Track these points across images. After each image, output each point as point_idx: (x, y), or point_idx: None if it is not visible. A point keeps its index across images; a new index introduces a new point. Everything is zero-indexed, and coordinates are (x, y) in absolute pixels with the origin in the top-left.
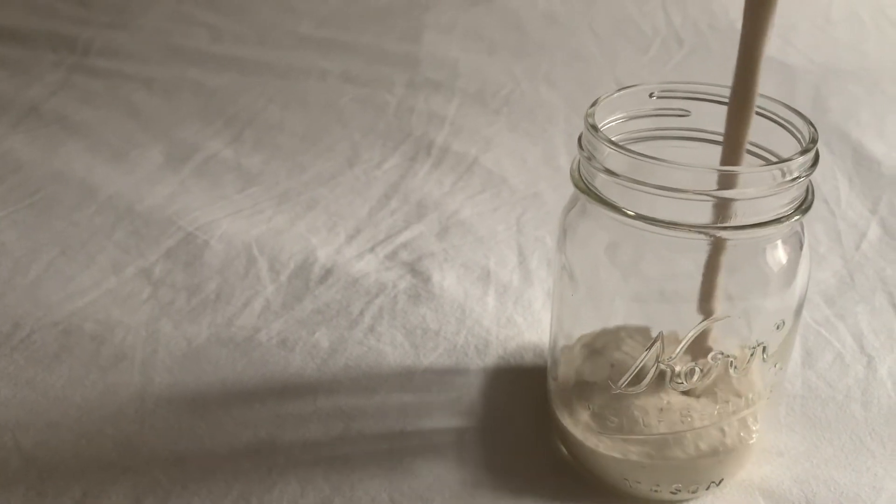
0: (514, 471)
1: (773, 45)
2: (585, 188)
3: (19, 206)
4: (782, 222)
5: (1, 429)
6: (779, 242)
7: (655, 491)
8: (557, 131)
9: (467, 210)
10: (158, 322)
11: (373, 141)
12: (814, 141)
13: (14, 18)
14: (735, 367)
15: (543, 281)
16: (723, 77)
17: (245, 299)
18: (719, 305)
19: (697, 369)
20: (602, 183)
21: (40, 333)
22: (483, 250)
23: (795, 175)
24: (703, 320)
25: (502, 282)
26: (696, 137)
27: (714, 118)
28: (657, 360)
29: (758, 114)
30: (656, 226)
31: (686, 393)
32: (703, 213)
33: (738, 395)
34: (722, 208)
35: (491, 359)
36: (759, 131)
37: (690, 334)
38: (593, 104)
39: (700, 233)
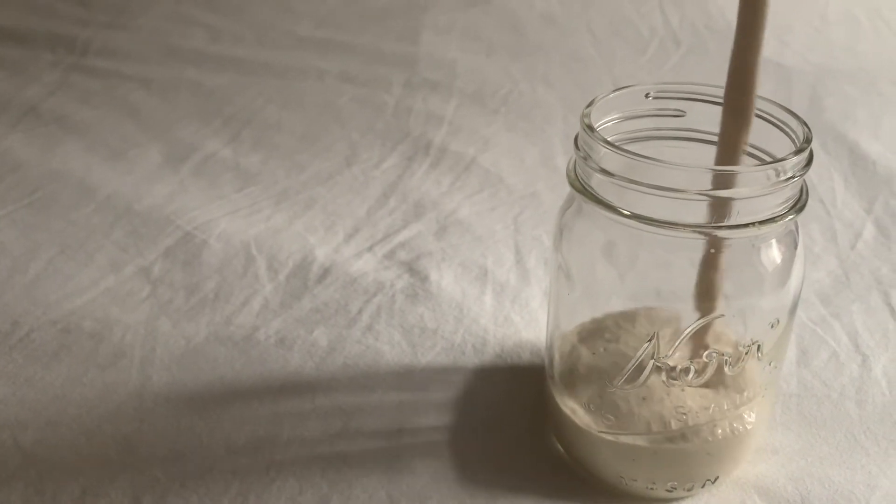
0: (511, 469)
1: (770, 46)
2: (581, 188)
3: (18, 205)
4: (777, 221)
5: (0, 427)
6: (773, 241)
7: (651, 489)
8: (555, 131)
9: (465, 209)
10: (157, 321)
11: (371, 141)
12: (808, 141)
13: (13, 18)
14: (730, 366)
15: (540, 280)
16: (720, 78)
17: (243, 298)
18: (716, 304)
19: (692, 367)
20: (598, 183)
21: (39, 332)
22: (481, 249)
23: (790, 175)
24: (698, 319)
25: (500, 281)
26: (691, 138)
27: (709, 118)
28: (653, 358)
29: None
30: (652, 225)
31: (681, 390)
32: (698, 212)
33: (734, 393)
34: (717, 208)
35: (488, 357)
36: (753, 131)
37: (686, 333)
38: (589, 104)
39: (695, 232)
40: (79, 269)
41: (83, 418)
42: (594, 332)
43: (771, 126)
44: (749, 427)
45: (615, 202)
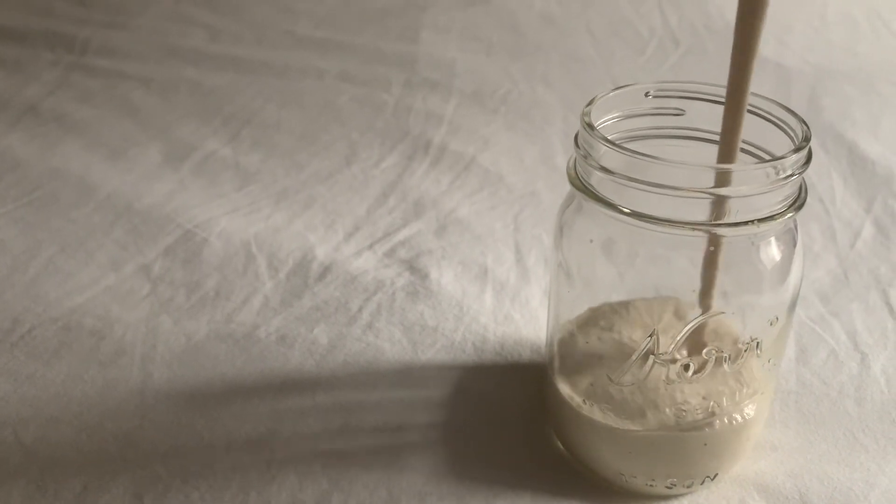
0: (511, 466)
1: (769, 47)
2: (581, 186)
3: (18, 203)
4: (776, 219)
5: (1, 424)
6: (773, 239)
7: (650, 485)
8: (554, 131)
9: (465, 208)
10: (158, 318)
11: (371, 140)
12: (807, 139)
13: (12, 18)
14: (729, 362)
15: (540, 278)
16: (719, 77)
17: (244, 296)
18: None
19: (692, 364)
20: (598, 181)
21: (40, 330)
22: (481, 248)
23: (789, 173)
24: (697, 316)
25: (500, 279)
26: (690, 136)
27: (709, 117)
28: (653, 355)
29: (752, 113)
30: (651, 223)
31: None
32: (697, 210)
33: (732, 390)
34: (716, 205)
35: (488, 355)
36: (753, 130)
37: (686, 329)
38: (589, 103)
39: (695, 230)
40: (79, 268)
41: (84, 415)
42: (590, 319)
43: (770, 124)
44: (748, 423)
45: (615, 200)
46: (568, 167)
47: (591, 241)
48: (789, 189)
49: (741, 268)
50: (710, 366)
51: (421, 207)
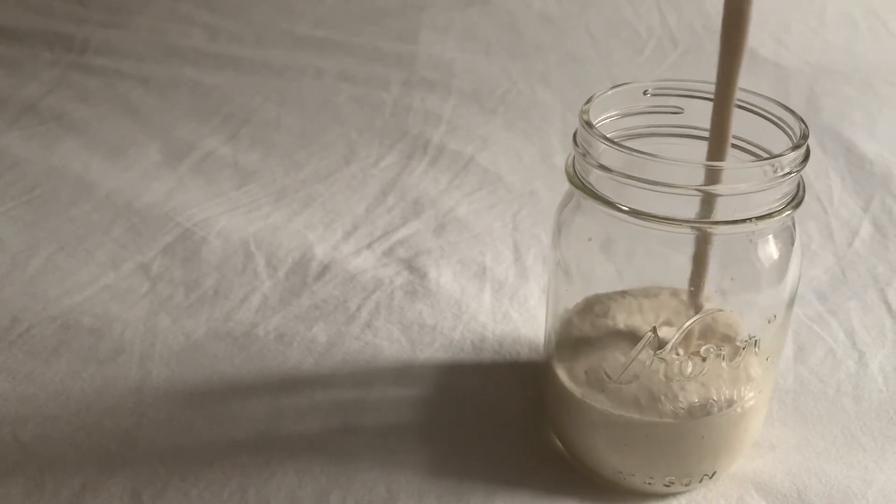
0: (510, 464)
1: (768, 46)
2: (580, 184)
3: (17, 202)
4: (774, 217)
5: (0, 422)
6: (770, 237)
7: (649, 483)
8: (553, 130)
9: (464, 207)
10: (157, 317)
11: (370, 139)
12: (805, 137)
13: (11, 17)
14: (727, 360)
15: (539, 277)
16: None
17: (243, 295)
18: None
19: (690, 363)
20: (596, 179)
21: (39, 328)
22: (479, 247)
23: (787, 170)
24: (695, 314)
25: (498, 278)
26: (689, 134)
27: (707, 115)
28: (653, 354)
29: (749, 111)
30: (650, 221)
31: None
32: (696, 208)
33: (731, 388)
34: (714, 203)
35: (487, 354)
36: (751, 128)
37: (683, 328)
38: (588, 101)
39: (693, 228)
40: (78, 266)
41: (83, 413)
42: (586, 306)
43: (768, 123)
44: (745, 415)
45: (613, 198)
46: (566, 165)
47: (590, 239)
48: (787, 187)
49: (739, 265)
50: (707, 364)
51: (420, 206)
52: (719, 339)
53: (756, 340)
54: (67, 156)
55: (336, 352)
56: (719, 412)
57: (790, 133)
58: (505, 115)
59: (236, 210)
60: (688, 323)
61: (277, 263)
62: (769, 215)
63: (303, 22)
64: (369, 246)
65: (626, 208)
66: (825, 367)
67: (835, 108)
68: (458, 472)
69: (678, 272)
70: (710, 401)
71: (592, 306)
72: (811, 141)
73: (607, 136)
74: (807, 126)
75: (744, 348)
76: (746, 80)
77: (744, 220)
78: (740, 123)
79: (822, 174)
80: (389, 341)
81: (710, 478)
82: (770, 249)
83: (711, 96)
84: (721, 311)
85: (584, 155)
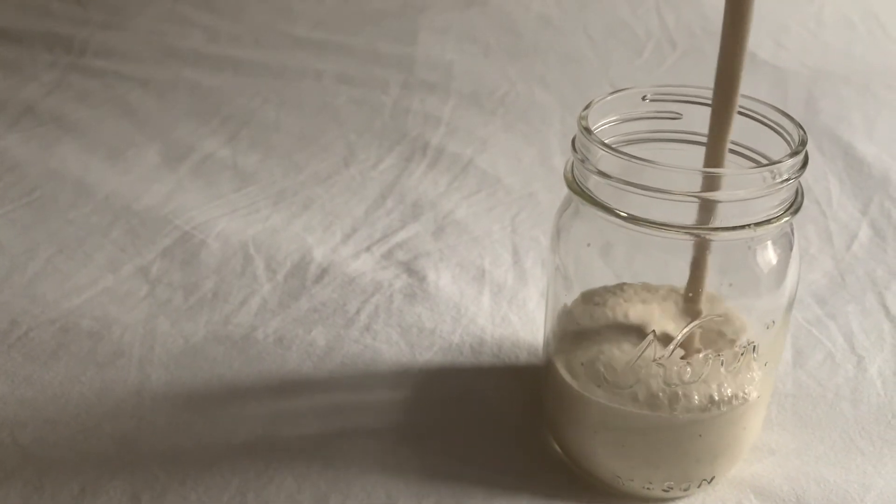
0: (509, 469)
1: (766, 49)
2: (579, 190)
3: (16, 204)
4: (772, 223)
5: None
6: (769, 243)
7: (648, 489)
8: (552, 132)
9: (463, 210)
10: (156, 320)
11: (369, 141)
12: (803, 143)
13: (9, 18)
14: (725, 365)
15: (538, 280)
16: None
17: (242, 298)
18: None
19: (689, 368)
20: (595, 185)
21: (38, 331)
22: (478, 250)
23: (785, 177)
24: (693, 320)
25: (497, 281)
26: (688, 140)
27: (706, 121)
28: (651, 360)
29: (748, 117)
30: (648, 227)
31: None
32: (694, 214)
33: (729, 393)
34: (713, 210)
35: (486, 357)
36: (749, 134)
37: (682, 334)
38: (586, 107)
39: (691, 234)
40: (77, 269)
41: (82, 417)
42: (585, 298)
43: (766, 129)
44: (744, 425)
45: (612, 204)
46: (565, 171)
47: (589, 244)
48: (786, 193)
49: (738, 271)
50: (706, 369)
51: (419, 209)
52: (718, 345)
53: (755, 346)
54: (66, 158)
55: (335, 355)
56: (717, 409)
57: (789, 139)
58: (504, 117)
59: (235, 213)
60: (686, 329)
61: (276, 266)
62: (768, 221)
63: (302, 23)
64: (368, 249)
65: (625, 214)
66: (824, 371)
67: (833, 110)
68: (456, 476)
69: (677, 278)
70: (710, 397)
71: (591, 297)
72: (809, 144)
73: (606, 141)
74: (805, 132)
75: (742, 354)
76: (745, 82)
77: (742, 227)
78: (739, 129)
79: (820, 177)
80: (388, 344)
81: (709, 482)
82: (769, 255)
83: (709, 102)
84: (719, 317)
85: (582, 161)
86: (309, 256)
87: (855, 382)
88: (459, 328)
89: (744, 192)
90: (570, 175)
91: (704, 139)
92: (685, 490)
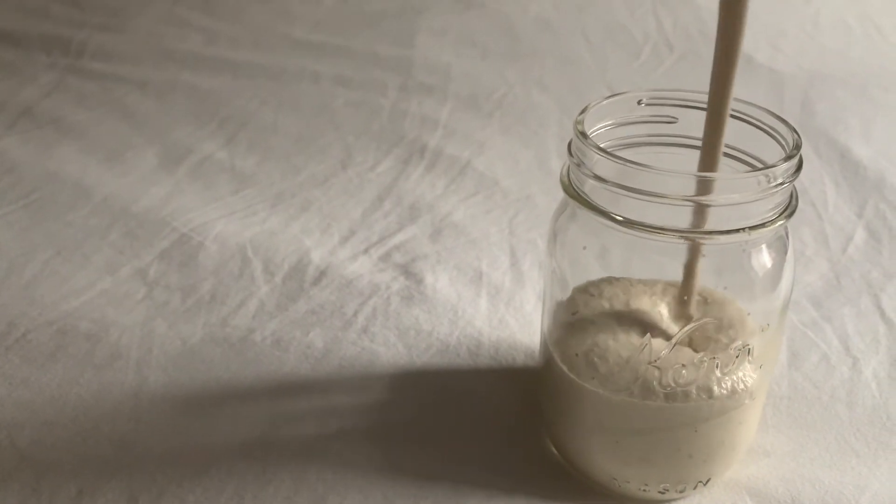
0: (505, 471)
1: (763, 51)
2: (575, 194)
3: (14, 206)
4: (767, 227)
5: None
6: (764, 246)
7: (644, 490)
8: (549, 135)
9: (460, 212)
10: (153, 322)
11: (366, 144)
12: (797, 147)
13: (7, 20)
14: (721, 368)
15: (535, 283)
16: None
17: (239, 300)
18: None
19: (684, 371)
20: (591, 189)
21: (35, 333)
22: (476, 252)
23: (780, 181)
24: (687, 323)
25: (494, 283)
26: (683, 144)
27: (701, 125)
28: (648, 363)
29: (743, 120)
30: (644, 231)
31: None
32: (689, 218)
33: (725, 395)
34: (708, 213)
35: (483, 359)
36: (744, 138)
37: (678, 336)
38: (582, 111)
39: (686, 238)
40: (75, 271)
41: (80, 419)
42: (582, 290)
43: (761, 132)
44: (740, 427)
45: (608, 208)
46: (561, 175)
47: (585, 247)
48: (780, 197)
49: (733, 274)
50: (702, 372)
51: (416, 211)
52: (713, 347)
53: (750, 348)
54: (64, 160)
55: (332, 357)
56: (712, 412)
57: (783, 143)
58: (501, 120)
59: (233, 215)
60: (679, 334)
61: (274, 268)
62: (762, 225)
63: (300, 26)
64: (366, 251)
65: (621, 218)
66: (819, 373)
67: (829, 112)
68: (454, 478)
69: (672, 280)
70: (705, 399)
71: (587, 288)
72: (806, 146)
73: (601, 146)
74: (800, 136)
75: (737, 356)
76: (742, 85)
77: (737, 231)
78: (733, 133)
79: (816, 180)
80: (386, 346)
81: (705, 484)
82: (763, 259)
83: (705, 106)
84: (714, 321)
85: (578, 165)
86: (307, 259)
87: (850, 384)
88: (457, 330)
89: (738, 195)
90: (566, 179)
91: (700, 143)
92: (681, 492)
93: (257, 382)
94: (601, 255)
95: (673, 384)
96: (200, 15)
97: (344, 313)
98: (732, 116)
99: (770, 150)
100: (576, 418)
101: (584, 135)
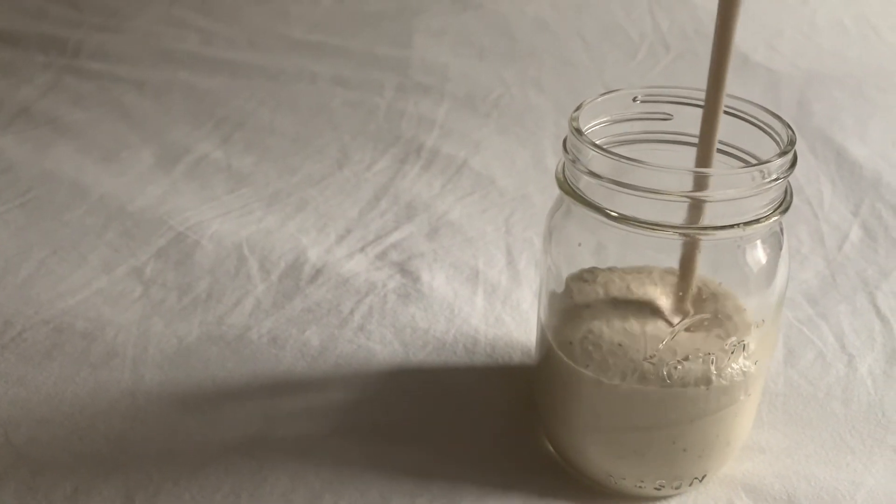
0: (501, 468)
1: (759, 51)
2: (570, 190)
3: (10, 205)
4: (762, 223)
5: None
6: (758, 242)
7: (640, 487)
8: (546, 134)
9: (457, 211)
10: (149, 320)
11: (363, 143)
12: (792, 143)
13: (4, 20)
14: (716, 364)
15: (531, 281)
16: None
17: (236, 298)
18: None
19: (679, 367)
20: (586, 185)
21: (32, 332)
22: (472, 251)
23: (774, 177)
24: (683, 319)
25: (491, 282)
26: (678, 140)
27: (696, 121)
28: (643, 359)
29: (738, 117)
30: (639, 227)
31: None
32: (684, 213)
33: (721, 389)
34: (703, 209)
35: (479, 357)
36: (739, 134)
37: (674, 331)
38: (578, 108)
39: (681, 233)
40: (71, 270)
41: (76, 417)
42: (578, 276)
43: (756, 129)
44: (735, 424)
45: (603, 204)
46: (556, 172)
47: (580, 244)
48: (775, 192)
49: (727, 270)
50: (697, 368)
51: (413, 210)
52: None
53: (745, 344)
54: (61, 159)
55: (329, 355)
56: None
57: (778, 139)
58: (498, 120)
59: (229, 214)
60: (676, 329)
61: (270, 267)
62: (757, 221)
63: (297, 26)
64: (362, 249)
65: (616, 214)
66: (815, 370)
67: (826, 112)
68: (450, 475)
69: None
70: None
71: (583, 275)
72: (802, 145)
73: (597, 142)
74: (794, 132)
75: (733, 351)
76: (739, 84)
77: (732, 226)
78: (729, 129)
79: (812, 179)
80: (382, 344)
81: (700, 481)
82: (758, 254)
83: (700, 103)
84: (709, 317)
85: (573, 161)
86: (303, 257)
87: (846, 381)
88: (453, 328)
89: (733, 191)
90: (561, 175)
91: (695, 140)
92: (676, 488)
93: (254, 380)
94: (596, 252)
95: (668, 379)
96: (197, 15)
97: (340, 311)
98: (728, 113)
99: (765, 147)
100: (572, 411)
101: (579, 131)
